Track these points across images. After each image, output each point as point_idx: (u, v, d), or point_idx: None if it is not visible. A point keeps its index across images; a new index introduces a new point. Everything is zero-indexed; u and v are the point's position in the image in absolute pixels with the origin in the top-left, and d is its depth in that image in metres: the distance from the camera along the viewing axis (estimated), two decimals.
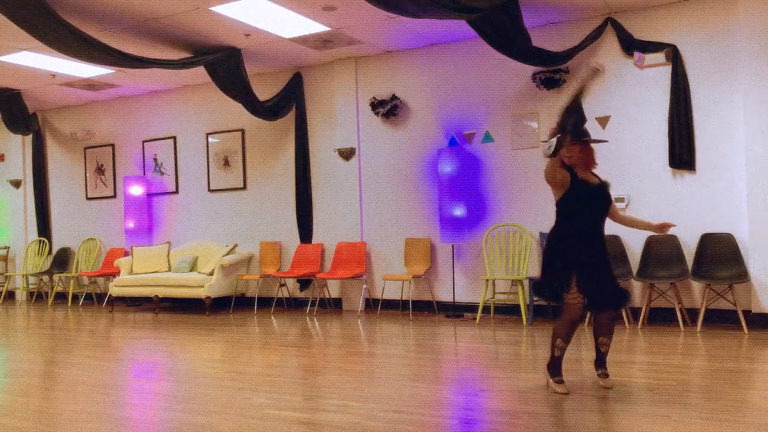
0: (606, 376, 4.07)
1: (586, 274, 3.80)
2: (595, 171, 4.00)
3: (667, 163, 6.51)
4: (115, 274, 9.31)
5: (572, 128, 3.77)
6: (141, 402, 4.18)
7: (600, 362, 4.10)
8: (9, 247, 10.99)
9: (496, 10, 5.94)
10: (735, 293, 6.01)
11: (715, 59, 6.32)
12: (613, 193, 6.61)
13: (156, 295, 8.52)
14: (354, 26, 6.94)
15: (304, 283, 8.49)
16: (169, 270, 8.99)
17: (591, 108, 6.86)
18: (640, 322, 6.24)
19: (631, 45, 6.61)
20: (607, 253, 3.93)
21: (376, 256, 8.06)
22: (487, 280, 6.96)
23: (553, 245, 3.91)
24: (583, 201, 3.84)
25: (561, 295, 3.88)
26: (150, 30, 6.82)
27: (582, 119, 3.92)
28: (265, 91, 8.31)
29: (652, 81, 6.58)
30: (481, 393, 4.13)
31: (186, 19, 6.52)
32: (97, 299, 9.93)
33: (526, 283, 6.89)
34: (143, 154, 9.83)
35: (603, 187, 3.92)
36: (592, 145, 3.93)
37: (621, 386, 4.07)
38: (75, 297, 9.94)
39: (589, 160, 3.88)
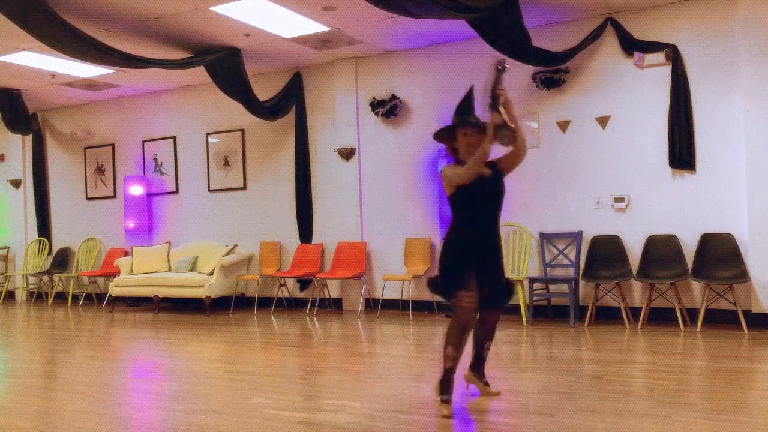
0: (487, 384, 3.89)
1: (485, 269, 3.57)
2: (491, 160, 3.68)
3: (667, 163, 6.51)
4: (115, 274, 9.31)
5: (459, 115, 3.63)
6: (141, 402, 4.18)
7: (480, 369, 3.88)
8: (9, 247, 10.99)
9: (496, 10, 5.94)
10: (735, 293, 6.01)
11: (715, 59, 6.32)
12: (614, 193, 6.70)
13: (156, 295, 8.52)
14: (354, 26, 6.95)
15: (304, 283, 8.49)
16: (169, 270, 8.99)
17: (591, 108, 6.87)
18: (640, 322, 6.24)
19: (631, 45, 6.61)
20: (500, 247, 3.68)
21: (376, 256, 8.06)
22: None
23: (450, 241, 3.64)
24: (475, 194, 3.57)
25: (454, 293, 3.55)
26: (150, 30, 6.82)
27: (469, 108, 3.66)
28: (265, 91, 8.31)
29: (652, 81, 6.58)
30: (481, 393, 4.13)
31: (186, 19, 6.52)
32: (97, 299, 9.93)
33: (526, 283, 6.89)
34: (143, 154, 9.83)
35: (493, 178, 3.62)
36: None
37: (621, 386, 4.07)
38: (75, 297, 9.94)
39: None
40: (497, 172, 3.67)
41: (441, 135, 3.75)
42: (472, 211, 3.61)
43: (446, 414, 3.48)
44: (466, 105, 3.67)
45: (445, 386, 3.58)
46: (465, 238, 3.60)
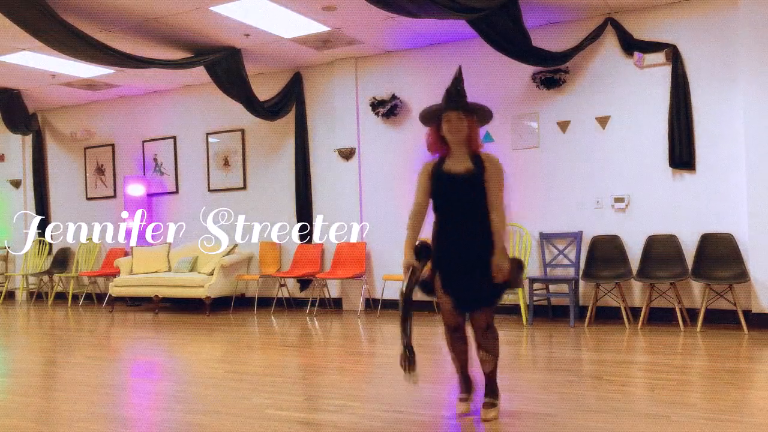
0: (491, 405, 3.47)
1: (448, 274, 3.39)
2: (493, 156, 3.45)
3: (667, 163, 6.51)
4: (115, 274, 9.31)
5: (445, 101, 3.44)
6: (141, 402, 4.18)
7: (486, 387, 3.52)
8: (9, 247, 10.99)
9: (496, 10, 5.94)
10: (735, 293, 6.00)
11: (715, 59, 6.32)
12: (614, 193, 6.69)
13: (156, 295, 8.52)
14: (354, 26, 6.94)
15: (304, 283, 8.49)
16: (169, 270, 8.99)
17: (591, 108, 6.87)
18: (640, 322, 6.24)
19: (631, 45, 6.61)
20: (483, 249, 3.32)
21: (376, 256, 8.06)
22: None
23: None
24: (441, 194, 3.41)
25: (434, 291, 3.48)
26: (150, 30, 6.82)
27: (455, 92, 3.47)
28: (265, 91, 8.31)
29: (652, 81, 6.58)
30: (481, 393, 4.12)
31: (186, 19, 6.52)
32: (97, 299, 9.93)
33: (526, 283, 6.88)
34: (143, 154, 9.83)
35: (469, 176, 3.34)
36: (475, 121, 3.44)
37: (621, 386, 4.07)
38: (75, 297, 9.94)
39: (471, 136, 3.40)
40: (479, 170, 3.35)
41: (427, 120, 3.55)
42: (440, 212, 3.46)
43: (459, 411, 3.52)
44: (453, 89, 3.48)
45: (460, 385, 3.62)
46: (434, 241, 3.47)
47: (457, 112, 3.36)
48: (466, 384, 3.60)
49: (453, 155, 3.42)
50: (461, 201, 3.36)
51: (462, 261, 3.35)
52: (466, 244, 3.35)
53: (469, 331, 3.52)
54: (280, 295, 8.55)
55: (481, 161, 3.36)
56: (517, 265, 3.44)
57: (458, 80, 3.46)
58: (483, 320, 3.41)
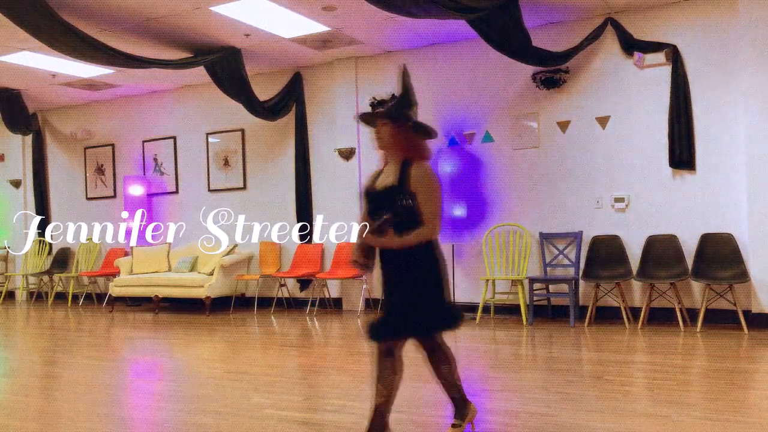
0: (455, 426, 3.14)
1: (384, 295, 3.09)
2: (422, 164, 3.02)
3: (667, 163, 6.51)
4: (115, 274, 9.31)
5: (394, 106, 3.10)
6: (141, 402, 4.18)
7: (453, 405, 3.20)
8: (9, 247, 10.99)
9: (496, 10, 5.94)
10: (735, 293, 6.01)
11: (715, 59, 6.32)
12: (614, 193, 6.68)
13: (156, 295, 8.52)
14: (354, 26, 6.94)
15: (304, 283, 8.49)
16: (169, 270, 8.99)
17: (591, 108, 6.87)
18: (640, 322, 6.24)
19: (631, 45, 6.61)
20: (404, 271, 2.96)
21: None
22: (487, 280, 6.96)
23: None
24: (367, 210, 3.09)
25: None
26: (150, 30, 6.82)
27: (407, 101, 3.10)
28: (265, 91, 8.31)
29: (652, 81, 6.58)
30: (481, 393, 4.13)
31: (186, 19, 6.52)
32: (97, 299, 9.93)
33: (526, 282, 6.89)
34: (143, 154, 9.83)
35: (386, 191, 2.96)
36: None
37: (621, 386, 4.07)
38: (75, 297, 9.94)
39: (408, 146, 3.03)
40: (401, 183, 2.94)
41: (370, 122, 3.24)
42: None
43: None
44: (403, 95, 3.12)
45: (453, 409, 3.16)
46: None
47: (380, 120, 3.06)
48: (456, 406, 3.16)
49: (388, 165, 3.08)
50: (375, 215, 3.00)
51: (388, 280, 3.02)
52: (389, 262, 3.01)
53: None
54: (280, 295, 8.55)
55: (407, 173, 2.94)
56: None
57: (405, 86, 3.12)
58: (427, 341, 3.09)
